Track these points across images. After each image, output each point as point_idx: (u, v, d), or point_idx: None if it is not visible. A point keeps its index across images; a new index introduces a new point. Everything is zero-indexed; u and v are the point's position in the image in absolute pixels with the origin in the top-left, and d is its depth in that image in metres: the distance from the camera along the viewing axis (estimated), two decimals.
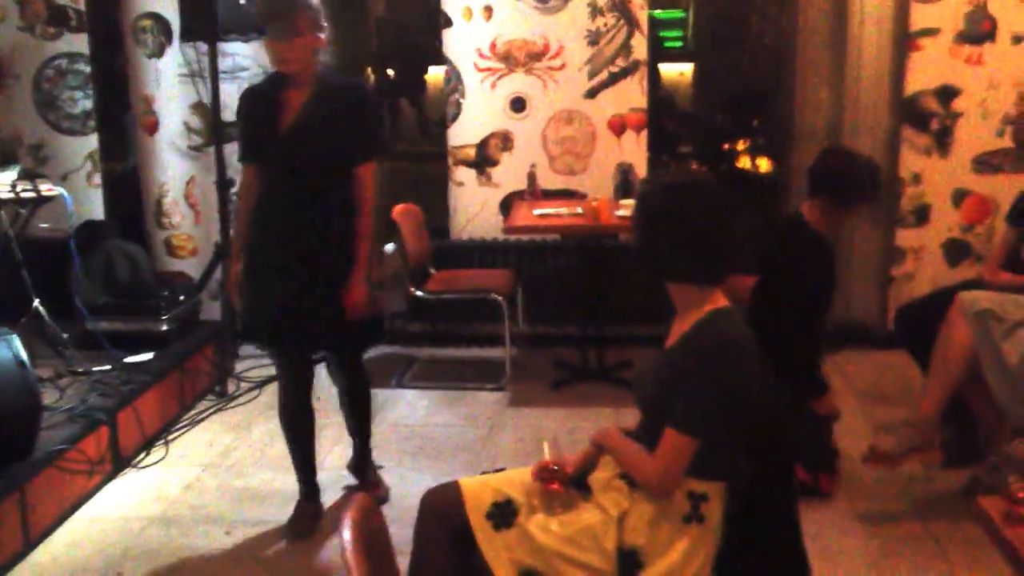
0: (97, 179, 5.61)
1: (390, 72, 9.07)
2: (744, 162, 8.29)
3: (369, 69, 8.57)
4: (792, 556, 2.40)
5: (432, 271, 5.30)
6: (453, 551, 2.24)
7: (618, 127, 5.39)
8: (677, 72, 9.16)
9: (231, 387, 4.95)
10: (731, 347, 2.14)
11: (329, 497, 3.74)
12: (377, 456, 3.88)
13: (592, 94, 5.38)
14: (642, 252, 2.24)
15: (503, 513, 2.24)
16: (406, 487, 3.77)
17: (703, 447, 2.13)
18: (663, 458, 2.15)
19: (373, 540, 1.75)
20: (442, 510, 2.28)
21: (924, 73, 5.09)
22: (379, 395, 4.88)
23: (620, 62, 5.34)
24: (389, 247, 5.15)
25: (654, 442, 2.17)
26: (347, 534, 1.65)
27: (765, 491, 2.26)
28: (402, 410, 4.73)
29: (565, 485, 2.27)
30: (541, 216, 4.85)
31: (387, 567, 1.83)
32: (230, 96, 5.21)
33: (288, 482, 3.89)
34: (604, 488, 2.25)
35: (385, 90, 8.80)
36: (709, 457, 2.14)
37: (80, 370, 4.37)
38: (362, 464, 3.78)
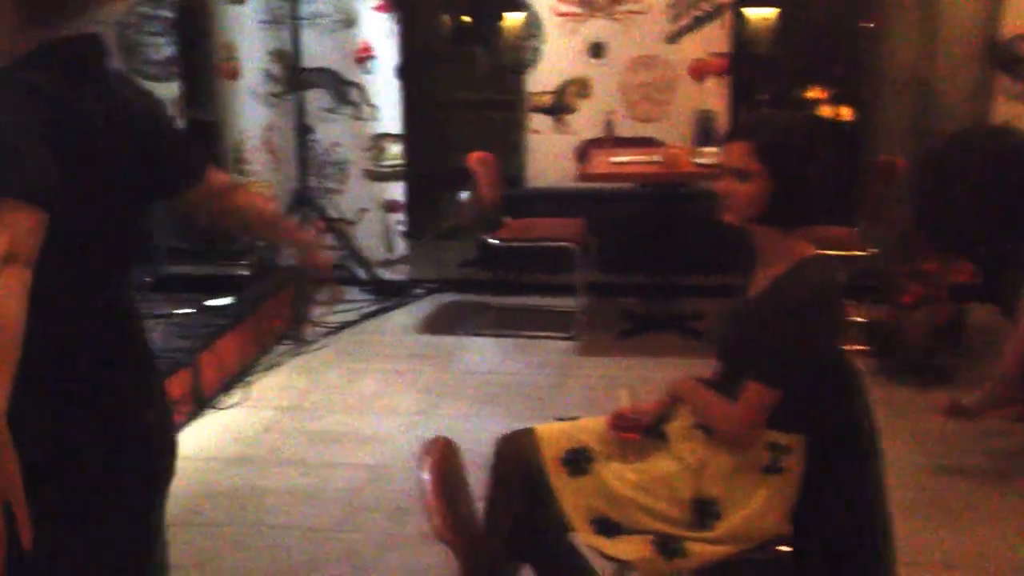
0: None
1: (465, 19, 9.00)
2: (825, 110, 8.07)
3: (445, 16, 8.52)
4: (872, 512, 2.35)
5: (505, 219, 5.29)
6: (527, 495, 2.24)
7: (699, 73, 5.28)
8: (760, 16, 8.91)
9: (307, 332, 5.01)
10: (824, 295, 2.09)
11: (400, 444, 3.78)
12: (450, 402, 3.91)
13: (673, 38, 5.27)
14: (784, 191, 2.11)
15: (578, 460, 2.23)
16: (478, 433, 3.76)
17: (785, 398, 2.09)
18: (744, 408, 2.11)
19: (452, 482, 1.76)
20: (517, 455, 2.28)
21: (1022, 16, 4.87)
22: (451, 342, 4.93)
23: (704, 5, 5.21)
24: (463, 194, 5.15)
25: (733, 392, 2.14)
26: (427, 476, 1.66)
27: (846, 445, 2.22)
28: (473, 357, 4.75)
29: (641, 434, 2.25)
30: (618, 164, 4.79)
31: (465, 508, 1.84)
32: (310, 42, 5.26)
33: (361, 424, 3.96)
34: (681, 437, 2.23)
35: (460, 37, 8.73)
36: (791, 409, 2.10)
37: (163, 312, 4.46)
38: None
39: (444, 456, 1.79)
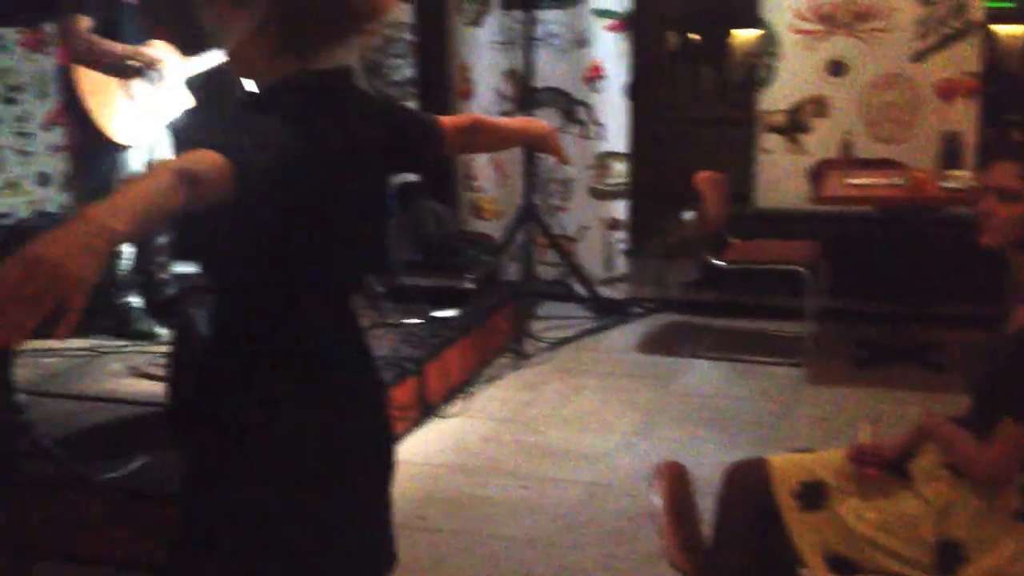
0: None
1: (693, 36, 8.91)
2: None
3: (671, 33, 8.45)
4: None
5: (731, 239, 5.17)
6: (757, 526, 2.18)
7: (947, 92, 4.99)
8: (1012, 33, 8.35)
9: (527, 346, 5.07)
10: None
11: (618, 464, 3.75)
12: (669, 424, 3.85)
13: (920, 57, 5.00)
14: None
15: (812, 494, 2.15)
16: (697, 458, 3.69)
17: None
18: (998, 449, 1.98)
19: (683, 506, 1.73)
20: (747, 485, 2.22)
21: None
22: (670, 363, 4.86)
23: (954, 23, 4.92)
24: (688, 214, 5.08)
25: (985, 431, 2.01)
26: (659, 498, 1.63)
27: None
28: (693, 380, 4.67)
29: (883, 470, 2.14)
30: (856, 186, 4.59)
31: (695, 533, 1.80)
32: (541, 63, 5.35)
33: (579, 441, 3.96)
34: (926, 476, 2.11)
35: (687, 54, 8.65)
36: None
37: (393, 322, 4.63)
38: None
39: (676, 480, 1.76)
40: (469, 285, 5.02)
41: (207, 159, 1.34)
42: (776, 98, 5.28)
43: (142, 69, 4.32)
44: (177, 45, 4.52)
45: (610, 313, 5.48)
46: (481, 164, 5.80)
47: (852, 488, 2.14)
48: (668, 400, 4.41)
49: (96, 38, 4.26)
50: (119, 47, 4.28)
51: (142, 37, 4.41)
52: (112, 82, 4.32)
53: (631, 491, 3.52)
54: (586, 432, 4.07)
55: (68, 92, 4.58)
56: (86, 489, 2.94)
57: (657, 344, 5.15)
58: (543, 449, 3.94)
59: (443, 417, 4.27)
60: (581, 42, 5.42)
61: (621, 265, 5.61)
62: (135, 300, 4.55)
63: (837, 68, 5.15)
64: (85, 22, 4.23)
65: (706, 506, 2.27)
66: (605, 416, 4.22)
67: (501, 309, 5.09)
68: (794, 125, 5.27)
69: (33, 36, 5.31)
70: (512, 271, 5.53)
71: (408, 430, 4.06)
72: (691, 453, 3.77)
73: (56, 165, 5.58)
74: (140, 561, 2.96)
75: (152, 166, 1.30)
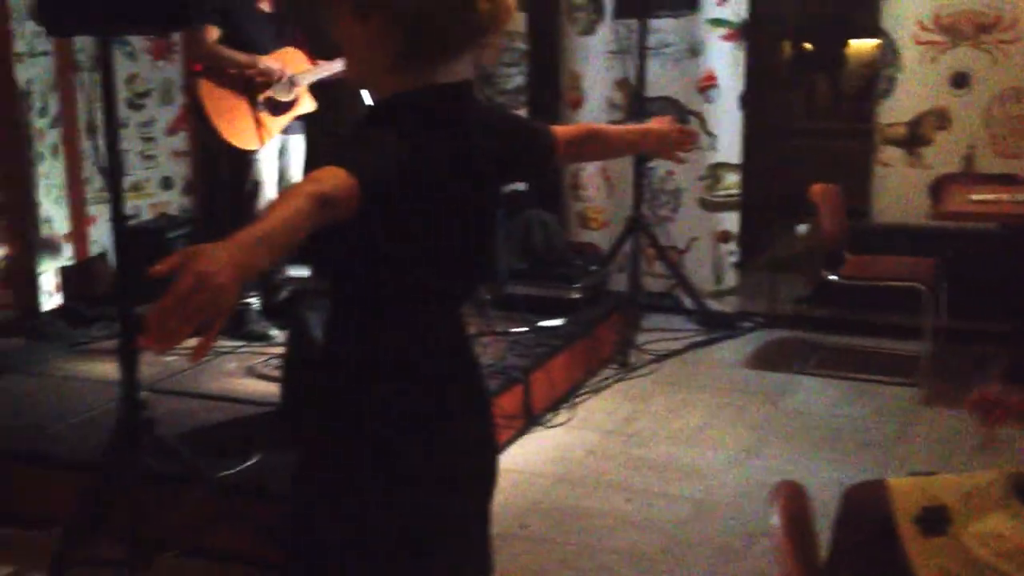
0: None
1: (807, 45, 8.75)
2: None
3: (786, 42, 8.32)
4: None
5: (846, 254, 5.04)
6: (874, 550, 2.11)
7: None
8: None
9: (632, 358, 5.04)
10: None
11: (726, 481, 3.68)
12: (779, 442, 3.77)
13: None
14: None
15: (934, 519, 2.07)
16: (809, 477, 3.60)
17: None
18: None
19: (800, 528, 1.69)
20: (866, 508, 2.16)
21: None
22: (780, 379, 4.76)
23: None
24: (802, 227, 4.98)
25: None
26: (777, 519, 1.61)
27: None
28: (804, 398, 4.56)
29: (1009, 419, 2.04)
30: (978, 202, 4.43)
31: (811, 555, 1.76)
32: (653, 72, 5.32)
33: (686, 456, 3.91)
34: None
35: (802, 64, 8.50)
36: None
37: (500, 330, 4.66)
38: None
39: (794, 500, 1.72)
40: (575, 295, 5.01)
41: (337, 178, 1.37)
42: (896, 110, 5.13)
43: (263, 78, 4.44)
44: (309, 54, 4.64)
45: (718, 327, 5.40)
46: (589, 173, 5.79)
47: (977, 513, 2.06)
48: (778, 417, 4.32)
49: (220, 47, 4.38)
50: (242, 56, 4.39)
51: (275, 45, 4.52)
52: (233, 90, 4.44)
53: (739, 509, 3.46)
54: (693, 447, 4.02)
55: (191, 99, 4.75)
56: (204, 485, 3.03)
57: (767, 360, 5.06)
58: (648, 463, 3.90)
59: (547, 427, 4.27)
60: (695, 51, 5.37)
61: (731, 278, 5.53)
62: (253, 302, 4.67)
63: (960, 80, 4.99)
64: (213, 32, 4.36)
65: (819, 527, 2.22)
66: (713, 432, 4.16)
67: (607, 320, 5.07)
68: (914, 138, 5.12)
69: (159, 44, 5.53)
70: (619, 281, 5.51)
71: (512, 439, 4.07)
72: (803, 473, 3.68)
73: (178, 169, 5.80)
74: (255, 557, 3.04)
75: (287, 190, 1.33)
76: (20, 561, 3.18)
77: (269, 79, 4.44)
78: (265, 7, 4.54)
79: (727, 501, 3.54)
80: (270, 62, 4.44)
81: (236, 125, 4.44)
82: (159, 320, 1.16)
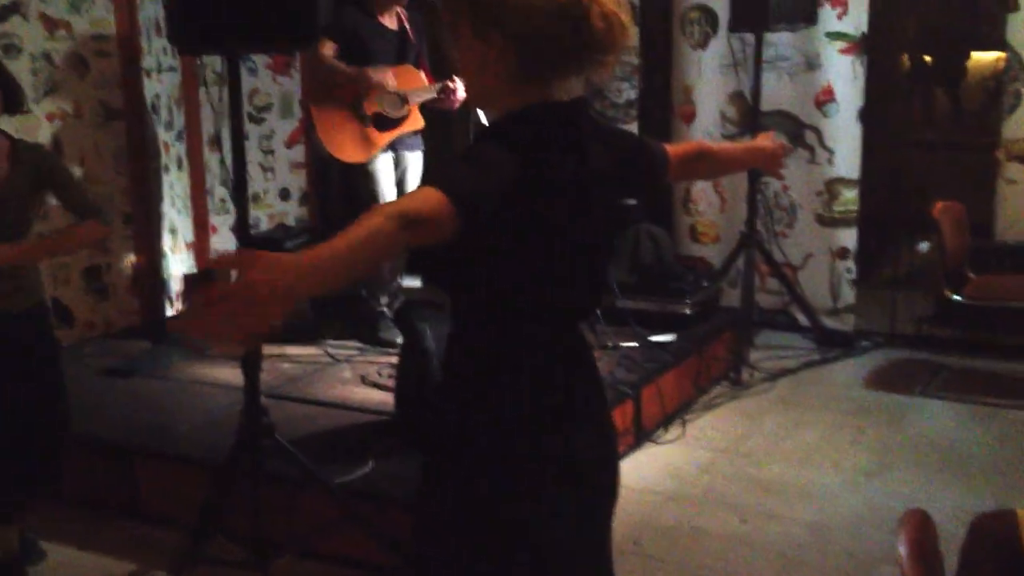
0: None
1: (926, 58, 8.50)
2: None
3: (905, 55, 8.10)
4: None
5: (970, 274, 4.86)
6: None
7: None
8: None
9: (745, 375, 4.95)
10: None
11: (843, 504, 3.59)
12: (900, 466, 3.65)
13: None
14: None
15: None
16: (931, 504, 3.46)
17: None
18: None
19: (927, 559, 1.64)
20: (995, 539, 2.06)
21: None
22: (900, 401, 4.62)
23: None
24: (924, 244, 4.83)
25: None
26: (904, 549, 1.57)
27: None
28: (926, 421, 4.41)
29: None
30: None
31: None
32: (769, 85, 5.23)
33: (801, 477, 3.83)
34: None
35: (921, 77, 8.26)
36: None
37: (609, 344, 4.63)
38: None
39: (921, 530, 1.67)
40: (687, 310, 4.95)
41: (429, 200, 1.38)
42: (1023, 125, 4.94)
43: (371, 92, 4.49)
44: (429, 74, 4.70)
45: (835, 345, 5.26)
46: (700, 188, 5.73)
47: None
48: (898, 440, 4.19)
49: (331, 60, 4.45)
50: (351, 70, 4.46)
51: (394, 62, 4.59)
52: (341, 104, 4.52)
53: (857, 534, 3.36)
54: (809, 468, 3.92)
55: (306, 112, 4.85)
56: (322, 490, 3.09)
57: (886, 380, 4.91)
58: (762, 483, 3.82)
59: (658, 443, 4.23)
60: (812, 65, 5.26)
61: (848, 296, 5.39)
62: (387, 308, 4.77)
63: None
64: (328, 47, 4.44)
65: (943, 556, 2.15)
66: (829, 453, 4.06)
67: (719, 336, 5.00)
68: None
69: (279, 60, 5.70)
70: (731, 297, 5.43)
71: (623, 454, 4.04)
72: (924, 499, 3.56)
73: (295, 181, 5.96)
74: (370, 563, 3.09)
75: (372, 210, 1.35)
76: (142, 559, 3.30)
77: (377, 90, 4.48)
78: (388, 23, 4.61)
79: (844, 525, 3.45)
80: (380, 75, 4.49)
81: (340, 138, 4.51)
82: (195, 309, 1.19)
